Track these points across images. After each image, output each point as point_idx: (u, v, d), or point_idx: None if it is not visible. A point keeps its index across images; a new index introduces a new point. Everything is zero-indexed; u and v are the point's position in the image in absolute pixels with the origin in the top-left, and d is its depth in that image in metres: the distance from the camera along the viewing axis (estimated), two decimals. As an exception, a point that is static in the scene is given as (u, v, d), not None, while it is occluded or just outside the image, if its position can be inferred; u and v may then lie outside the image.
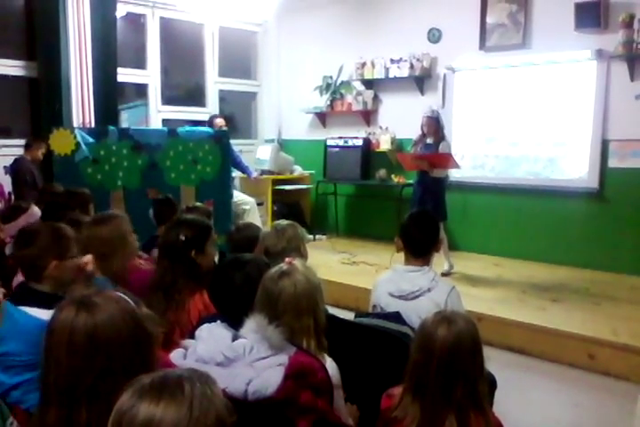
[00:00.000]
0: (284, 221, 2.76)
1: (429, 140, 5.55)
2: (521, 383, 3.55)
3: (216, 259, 2.88)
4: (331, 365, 1.81)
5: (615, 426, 3.14)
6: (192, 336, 1.76)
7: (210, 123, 6.58)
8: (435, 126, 5.49)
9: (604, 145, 5.59)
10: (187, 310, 2.38)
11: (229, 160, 5.89)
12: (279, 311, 1.74)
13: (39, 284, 2.13)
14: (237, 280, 1.89)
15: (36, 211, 3.59)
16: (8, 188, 5.72)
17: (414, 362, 1.66)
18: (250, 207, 6.59)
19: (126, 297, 1.37)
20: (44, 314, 1.92)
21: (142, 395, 0.98)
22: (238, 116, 8.53)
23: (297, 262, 1.87)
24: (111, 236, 2.60)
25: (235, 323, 1.68)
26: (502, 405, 2.19)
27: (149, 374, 1.04)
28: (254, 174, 7.04)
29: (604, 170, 5.62)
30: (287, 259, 1.89)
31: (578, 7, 5.47)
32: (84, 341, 1.25)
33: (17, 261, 2.15)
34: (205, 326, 1.68)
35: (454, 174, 6.55)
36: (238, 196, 6.61)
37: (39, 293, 2.10)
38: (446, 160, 5.41)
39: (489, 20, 6.22)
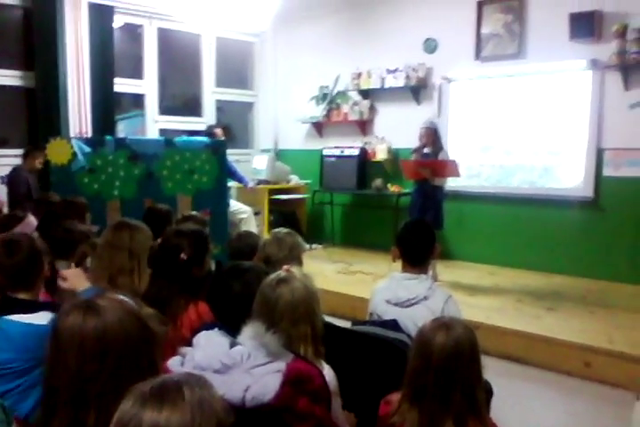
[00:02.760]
0: (282, 230, 2.76)
1: (427, 150, 5.60)
2: (517, 392, 3.54)
3: (212, 267, 2.88)
4: (328, 372, 1.82)
5: (612, 434, 3.15)
6: (189, 344, 1.76)
7: (208, 133, 6.57)
8: (432, 137, 5.60)
9: (599, 154, 5.63)
10: (178, 326, 2.34)
11: (226, 170, 5.90)
12: (276, 318, 1.75)
13: (26, 292, 2.14)
14: (236, 288, 1.90)
15: (32, 220, 3.59)
16: (1, 197, 5.70)
17: (412, 368, 1.66)
18: (247, 216, 6.60)
19: (126, 299, 1.38)
20: (28, 318, 1.93)
21: (144, 403, 0.99)
22: (235, 126, 8.56)
23: (295, 270, 1.88)
24: (144, 240, 2.63)
25: (233, 330, 1.69)
26: (499, 413, 2.19)
27: (147, 382, 1.04)
28: (251, 184, 7.05)
29: (598, 179, 5.65)
30: (285, 266, 1.89)
31: (572, 17, 5.53)
32: (95, 344, 1.26)
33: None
34: (203, 333, 1.68)
35: (450, 184, 6.56)
36: (236, 205, 6.62)
37: (21, 301, 2.11)
38: (449, 168, 5.47)
39: (484, 30, 6.27)
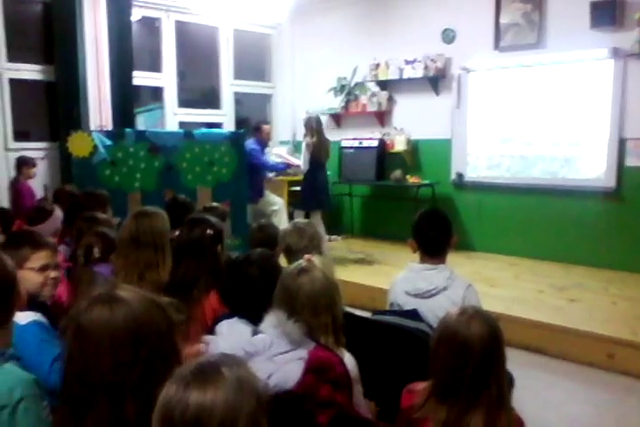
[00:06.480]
0: (302, 220, 2.79)
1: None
2: (539, 383, 3.53)
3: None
4: (349, 360, 1.82)
5: (634, 425, 3.12)
6: (209, 333, 1.78)
7: (257, 129, 6.56)
8: (308, 130, 6.08)
9: (621, 144, 5.55)
10: (202, 306, 2.40)
11: (245, 161, 5.92)
12: (298, 308, 1.75)
13: None
14: (253, 276, 1.92)
15: (59, 213, 3.65)
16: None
17: (446, 365, 1.59)
18: (278, 208, 6.60)
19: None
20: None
21: (187, 386, 1.01)
22: (253, 118, 8.57)
23: (315, 259, 1.89)
24: (164, 227, 2.65)
25: (252, 318, 1.70)
26: (520, 404, 2.18)
27: (186, 366, 1.06)
28: (270, 175, 7.03)
29: (620, 169, 5.58)
30: (306, 256, 1.90)
31: (593, 6, 5.45)
32: (127, 334, 1.25)
33: None
34: (225, 321, 1.70)
35: (469, 174, 6.55)
36: (268, 195, 6.63)
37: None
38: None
39: (503, 19, 6.20)
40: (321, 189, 6.18)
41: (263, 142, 6.55)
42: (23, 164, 5.71)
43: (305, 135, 6.16)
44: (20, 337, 1.72)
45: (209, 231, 2.56)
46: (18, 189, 5.66)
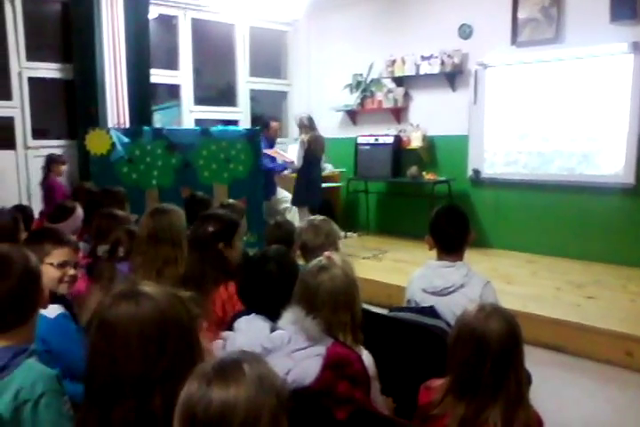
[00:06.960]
0: (318, 217, 2.78)
1: None
2: (556, 381, 3.51)
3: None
4: (367, 358, 1.83)
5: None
6: (220, 322, 1.79)
7: (265, 126, 6.58)
8: (302, 128, 6.26)
9: (641, 140, 5.49)
10: (212, 300, 2.41)
11: (261, 159, 5.93)
12: (317, 305, 1.76)
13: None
14: (271, 271, 1.93)
15: (80, 211, 3.69)
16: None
17: (463, 360, 1.59)
18: (290, 205, 6.61)
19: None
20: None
21: (209, 383, 1.02)
22: (269, 115, 8.58)
23: (335, 257, 1.89)
24: (180, 224, 2.68)
25: (270, 315, 1.71)
26: (538, 402, 2.17)
27: (206, 363, 1.08)
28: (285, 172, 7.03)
29: (639, 165, 5.52)
30: (326, 253, 1.90)
31: (613, -1, 5.38)
32: (155, 328, 1.28)
33: None
34: (243, 318, 1.71)
35: (486, 171, 6.51)
36: (281, 193, 6.64)
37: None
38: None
39: (520, 14, 6.15)
40: (315, 185, 6.28)
41: (270, 140, 6.57)
42: (53, 161, 5.78)
43: (300, 134, 6.30)
44: (52, 330, 1.76)
45: (210, 228, 2.58)
46: (49, 186, 5.71)
